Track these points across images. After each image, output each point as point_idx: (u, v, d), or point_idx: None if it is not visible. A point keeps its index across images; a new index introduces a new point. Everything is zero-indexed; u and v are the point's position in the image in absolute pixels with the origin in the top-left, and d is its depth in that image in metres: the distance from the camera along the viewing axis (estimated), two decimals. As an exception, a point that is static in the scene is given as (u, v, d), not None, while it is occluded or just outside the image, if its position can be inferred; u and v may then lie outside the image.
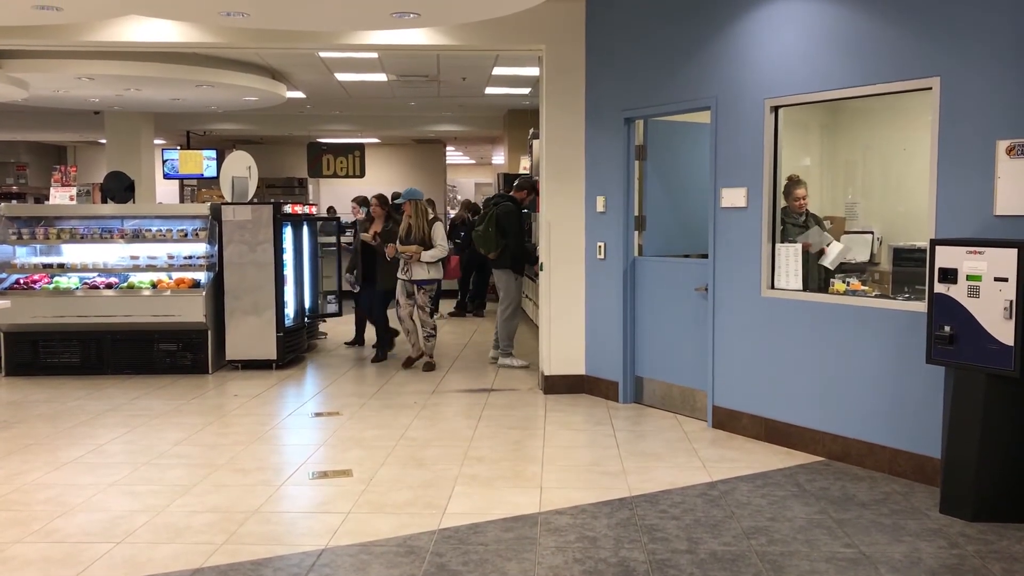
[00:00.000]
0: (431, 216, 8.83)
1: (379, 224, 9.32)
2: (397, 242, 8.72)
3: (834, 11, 5.46)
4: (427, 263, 8.57)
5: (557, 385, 7.56)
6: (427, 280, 8.68)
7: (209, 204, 9.05)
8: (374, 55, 10.49)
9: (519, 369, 8.68)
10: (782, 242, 5.98)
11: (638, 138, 7.08)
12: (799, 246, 5.89)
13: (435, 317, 8.81)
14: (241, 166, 9.29)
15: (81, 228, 8.75)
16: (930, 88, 4.95)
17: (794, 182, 6.32)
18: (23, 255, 9.00)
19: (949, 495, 4.59)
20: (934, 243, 4.64)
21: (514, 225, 8.90)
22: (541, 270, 7.73)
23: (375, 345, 9.43)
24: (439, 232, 8.75)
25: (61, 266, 8.82)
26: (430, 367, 8.71)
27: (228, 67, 11.20)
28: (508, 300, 8.90)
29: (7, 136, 17.80)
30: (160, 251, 8.82)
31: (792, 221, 6.26)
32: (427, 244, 8.57)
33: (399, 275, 8.76)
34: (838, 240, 6.59)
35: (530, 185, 9.13)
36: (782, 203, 6.20)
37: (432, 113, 16.58)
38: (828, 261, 6.11)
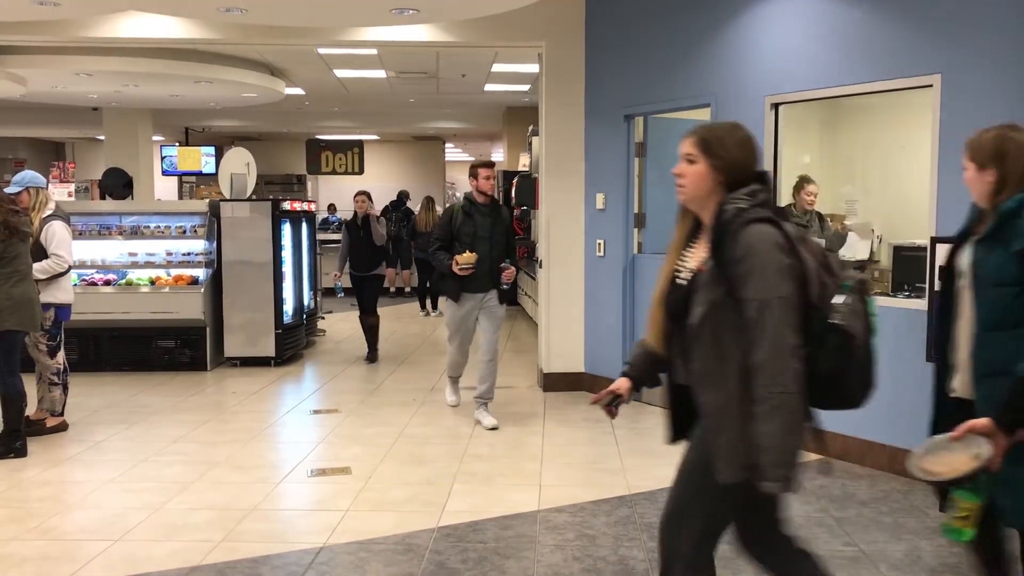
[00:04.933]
0: (48, 212, 6.05)
1: None
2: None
3: (835, 8, 5.44)
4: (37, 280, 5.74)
5: (556, 383, 7.55)
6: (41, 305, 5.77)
7: (208, 201, 9.03)
8: (373, 51, 10.46)
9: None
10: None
11: (638, 135, 7.06)
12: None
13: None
14: (240, 163, 9.28)
15: (79, 225, 8.71)
16: (931, 85, 4.93)
17: (806, 179, 6.50)
18: (21, 251, 8.96)
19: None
20: (935, 241, 4.62)
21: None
22: (540, 267, 7.72)
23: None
24: (57, 235, 5.96)
25: (59, 262, 8.78)
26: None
27: (227, 63, 11.18)
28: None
29: (5, 132, 17.77)
30: (158, 248, 8.80)
31: (796, 219, 6.27)
32: (39, 253, 5.90)
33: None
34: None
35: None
36: (786, 200, 6.20)
37: (431, 110, 16.56)
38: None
